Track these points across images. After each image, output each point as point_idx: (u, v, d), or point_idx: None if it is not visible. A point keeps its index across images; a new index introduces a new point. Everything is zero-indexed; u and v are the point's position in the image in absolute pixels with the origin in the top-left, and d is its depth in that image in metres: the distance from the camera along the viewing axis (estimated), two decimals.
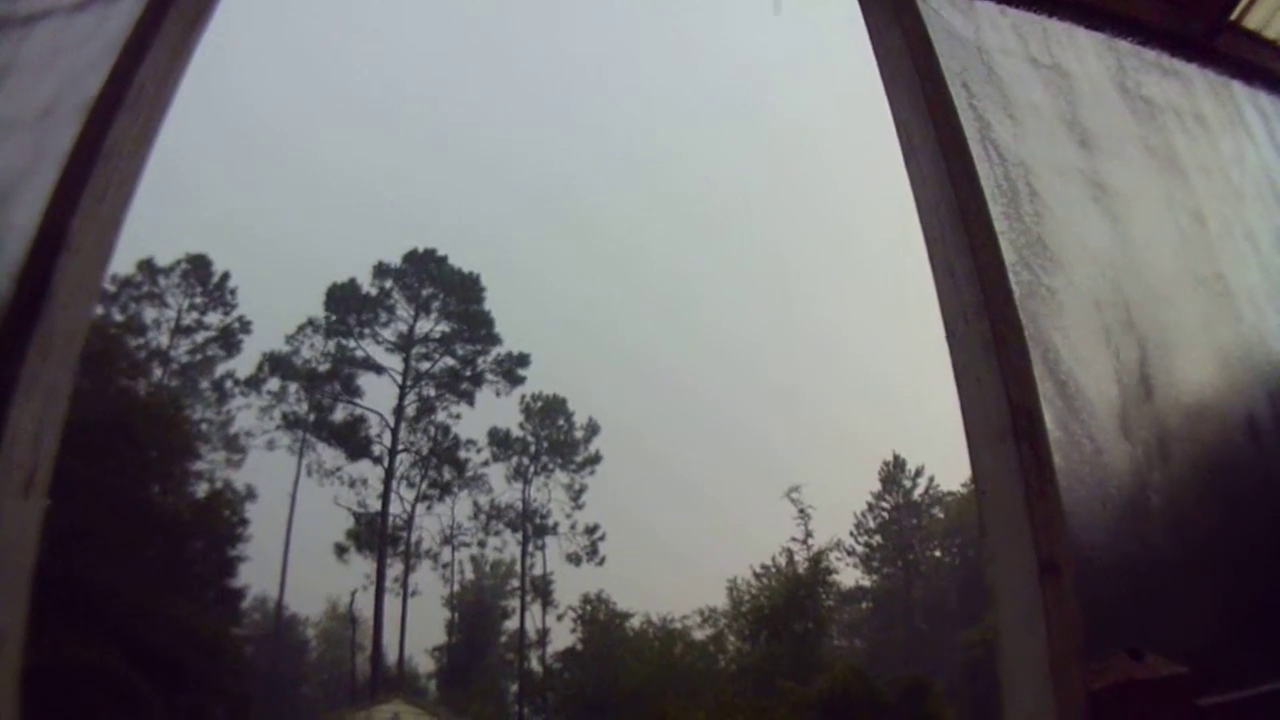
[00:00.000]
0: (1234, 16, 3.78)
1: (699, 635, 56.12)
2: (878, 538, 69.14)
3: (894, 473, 69.15)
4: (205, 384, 58.12)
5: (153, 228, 50.20)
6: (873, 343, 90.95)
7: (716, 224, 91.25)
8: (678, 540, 78.98)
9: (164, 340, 56.01)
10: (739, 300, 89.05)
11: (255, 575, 47.42)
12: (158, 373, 52.30)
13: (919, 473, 68.96)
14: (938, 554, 68.49)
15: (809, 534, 50.96)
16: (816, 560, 47.96)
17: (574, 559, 64.46)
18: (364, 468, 59.91)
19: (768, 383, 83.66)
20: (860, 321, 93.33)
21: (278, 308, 65.15)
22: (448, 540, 63.45)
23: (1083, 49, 3.38)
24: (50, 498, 1.94)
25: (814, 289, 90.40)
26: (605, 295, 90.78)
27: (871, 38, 2.94)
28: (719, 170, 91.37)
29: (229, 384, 58.77)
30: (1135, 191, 3.16)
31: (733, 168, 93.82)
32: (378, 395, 61.39)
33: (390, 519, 59.78)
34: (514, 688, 62.23)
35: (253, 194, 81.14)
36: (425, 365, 63.00)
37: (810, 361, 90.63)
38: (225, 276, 59.05)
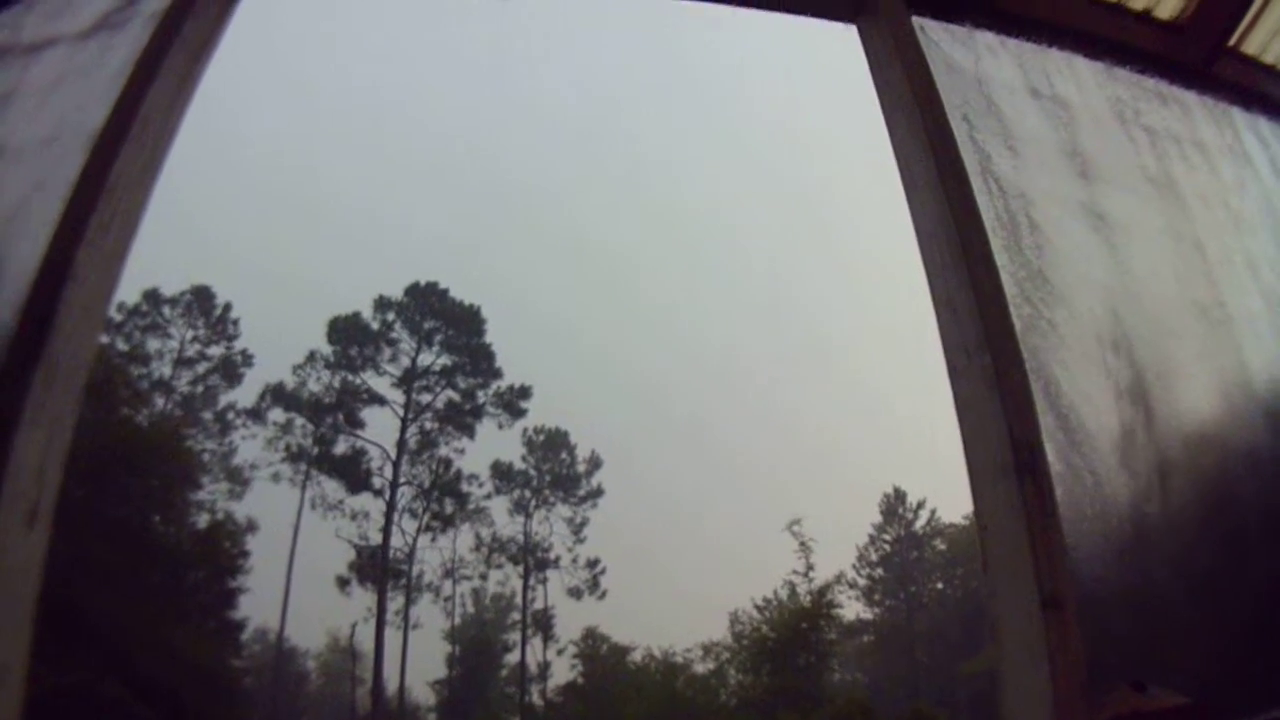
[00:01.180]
0: (1232, 42, 3.79)
1: (701, 669, 55.55)
2: (879, 570, 68.79)
3: (895, 505, 68.93)
4: (208, 414, 58.05)
5: (154, 256, 50.22)
6: (876, 375, 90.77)
7: (721, 253, 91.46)
8: (680, 573, 78.62)
9: (167, 370, 56.05)
10: (743, 330, 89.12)
11: (257, 607, 47.01)
12: (160, 403, 52.23)
13: (920, 505, 68.75)
14: (939, 586, 68.07)
15: (810, 566, 50.63)
16: (821, 594, 47.65)
17: (575, 593, 63.89)
18: (365, 500, 59.58)
19: (771, 413, 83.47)
20: (864, 353, 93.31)
21: (279, 338, 65.23)
22: (449, 573, 62.89)
23: (1082, 78, 3.40)
24: (51, 527, 1.93)
25: (818, 319, 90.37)
26: (608, 325, 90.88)
27: (871, 69, 2.95)
28: (723, 199, 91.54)
29: (231, 415, 58.68)
30: (1136, 221, 3.17)
31: (736, 197, 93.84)
32: (379, 428, 61.23)
33: (391, 552, 59.37)
34: None
35: (254, 223, 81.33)
36: (426, 398, 62.84)
37: (814, 392, 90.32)
38: (228, 307, 59.23)
